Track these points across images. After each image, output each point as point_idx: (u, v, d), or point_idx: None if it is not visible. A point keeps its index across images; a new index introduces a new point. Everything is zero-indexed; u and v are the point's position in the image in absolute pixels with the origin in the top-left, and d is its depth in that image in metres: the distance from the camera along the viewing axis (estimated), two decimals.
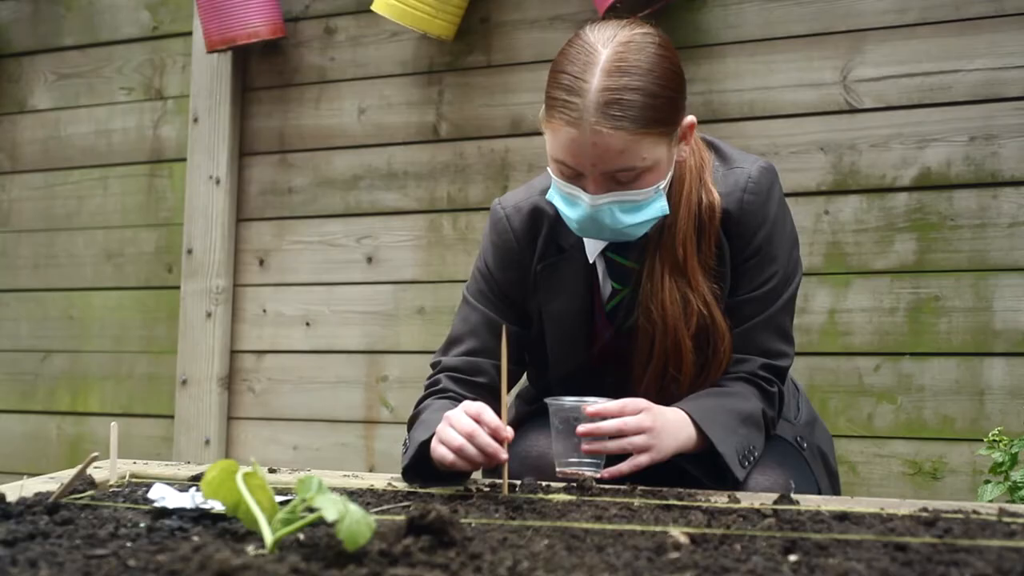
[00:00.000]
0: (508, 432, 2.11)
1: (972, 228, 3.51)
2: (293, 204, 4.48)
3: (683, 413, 2.26)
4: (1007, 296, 3.46)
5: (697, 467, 2.29)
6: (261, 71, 4.56)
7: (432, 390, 2.51)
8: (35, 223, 4.95)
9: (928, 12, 3.58)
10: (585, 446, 2.18)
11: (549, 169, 2.34)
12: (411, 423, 2.43)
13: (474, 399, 2.27)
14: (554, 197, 2.36)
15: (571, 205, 2.30)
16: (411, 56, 4.31)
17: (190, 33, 4.66)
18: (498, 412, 2.15)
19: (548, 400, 2.26)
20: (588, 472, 2.19)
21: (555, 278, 2.48)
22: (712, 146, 2.50)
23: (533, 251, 2.50)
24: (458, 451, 2.12)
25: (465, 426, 2.12)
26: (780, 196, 2.46)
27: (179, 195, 4.66)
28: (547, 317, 2.51)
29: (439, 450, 2.16)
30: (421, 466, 2.25)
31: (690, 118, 2.33)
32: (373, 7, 4.09)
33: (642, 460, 2.19)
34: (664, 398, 2.35)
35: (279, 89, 4.52)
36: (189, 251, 4.56)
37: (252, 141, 4.57)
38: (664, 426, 2.22)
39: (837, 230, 3.65)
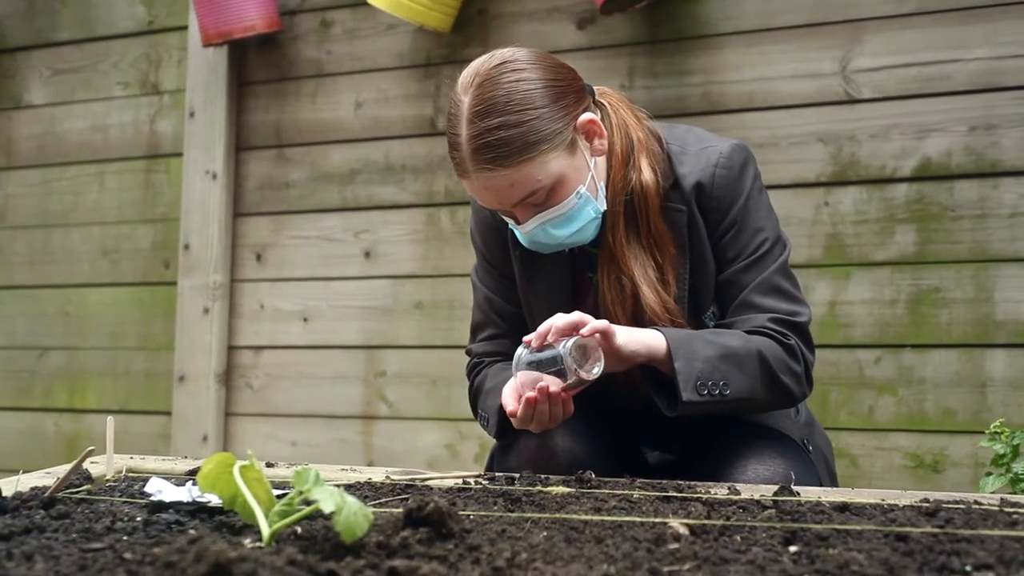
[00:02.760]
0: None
1: (973, 219, 3.50)
2: (290, 199, 4.46)
3: (658, 332, 2.27)
4: (1008, 287, 3.45)
5: (659, 391, 2.31)
6: (257, 65, 4.55)
7: (480, 369, 2.60)
8: (31, 219, 4.94)
9: (926, 1, 3.57)
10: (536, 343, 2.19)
11: None
12: (475, 398, 2.56)
13: None
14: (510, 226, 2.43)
15: (516, 232, 2.39)
16: (408, 49, 4.29)
17: (186, 27, 4.65)
18: None
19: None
20: (596, 369, 2.16)
21: (535, 262, 2.49)
22: (688, 129, 2.51)
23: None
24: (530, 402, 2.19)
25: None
26: (755, 173, 2.45)
27: (176, 190, 4.65)
28: (534, 298, 2.52)
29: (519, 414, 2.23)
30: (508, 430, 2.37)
31: (586, 115, 2.31)
32: (369, 0, 4.07)
33: (597, 328, 2.18)
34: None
35: (275, 83, 4.51)
36: (186, 247, 4.55)
37: (249, 135, 4.55)
38: (628, 330, 2.25)
39: (837, 221, 3.64)
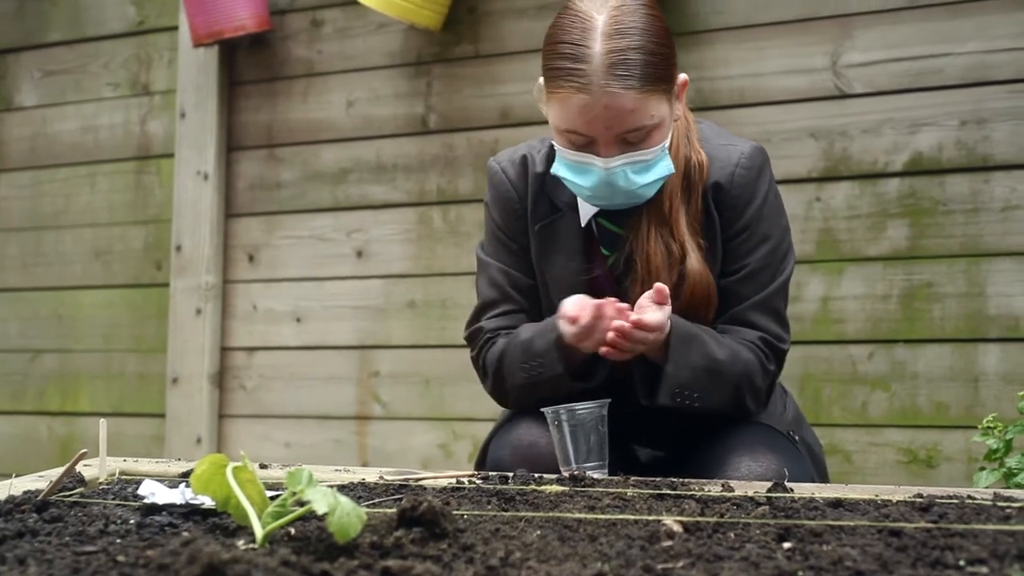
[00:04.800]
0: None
1: (964, 213, 3.50)
2: (282, 199, 4.46)
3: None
4: (1000, 281, 3.46)
5: (642, 376, 2.38)
6: (248, 65, 4.54)
7: (490, 343, 2.54)
8: (23, 222, 4.93)
9: None
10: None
11: (555, 143, 2.39)
12: (504, 360, 2.48)
13: None
14: (561, 170, 2.39)
15: (582, 173, 2.35)
16: (399, 47, 4.29)
17: (176, 27, 4.64)
18: None
19: (546, 409, 2.27)
20: (596, 475, 2.19)
21: (553, 238, 2.51)
22: (708, 125, 2.55)
23: (528, 201, 2.53)
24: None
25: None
26: (772, 179, 2.50)
27: (167, 191, 4.64)
28: (549, 278, 2.53)
29: (586, 342, 2.29)
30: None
31: (683, 76, 2.40)
32: None
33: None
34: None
35: (266, 83, 4.51)
36: (178, 248, 4.54)
37: (240, 136, 4.55)
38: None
39: (829, 217, 3.64)
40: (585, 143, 2.32)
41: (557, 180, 2.45)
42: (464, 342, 2.67)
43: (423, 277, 4.20)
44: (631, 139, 2.30)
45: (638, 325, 2.22)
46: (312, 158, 4.42)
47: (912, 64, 3.57)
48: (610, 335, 2.23)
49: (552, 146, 2.47)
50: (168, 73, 4.70)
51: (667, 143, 2.36)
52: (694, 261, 2.40)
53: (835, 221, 3.64)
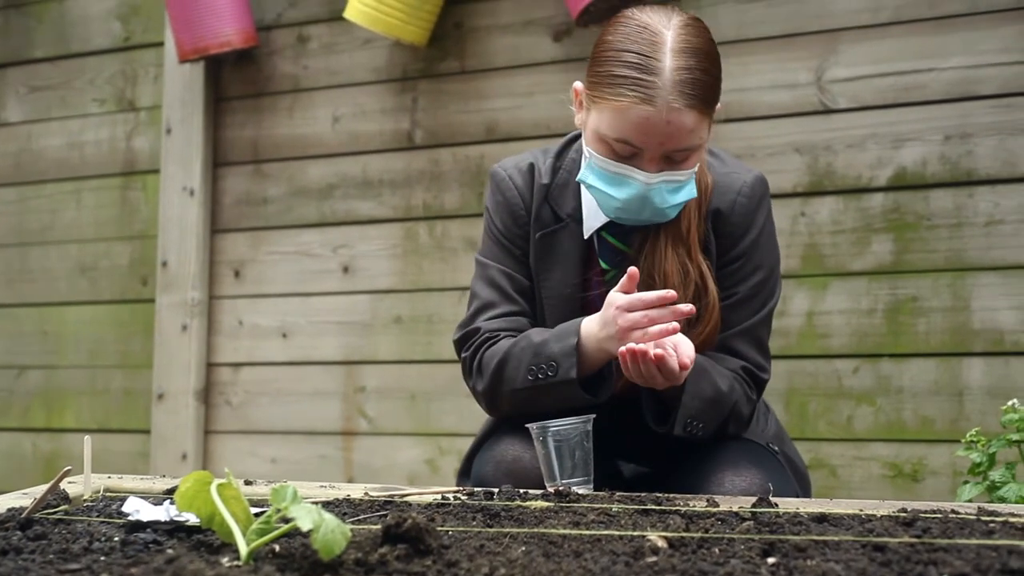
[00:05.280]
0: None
1: (949, 227, 3.51)
2: (268, 214, 4.46)
3: None
4: (984, 295, 3.47)
5: (650, 401, 2.37)
6: (234, 80, 4.54)
7: (489, 343, 2.47)
8: (8, 237, 4.92)
9: (901, 11, 3.59)
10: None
11: (591, 150, 2.36)
12: (508, 361, 2.40)
13: None
14: (592, 177, 2.37)
15: (619, 185, 2.33)
16: (384, 63, 4.29)
17: (162, 43, 4.64)
18: None
19: (531, 425, 2.25)
20: (581, 490, 2.19)
21: (553, 249, 2.50)
22: (709, 151, 2.54)
23: (533, 208, 2.53)
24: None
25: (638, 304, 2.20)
26: (770, 210, 2.53)
27: (153, 207, 4.64)
28: (544, 289, 2.52)
29: (631, 337, 2.21)
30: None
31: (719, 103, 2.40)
32: (345, 14, 4.07)
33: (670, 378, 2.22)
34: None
35: (252, 98, 4.51)
36: (164, 264, 4.54)
37: (226, 151, 4.55)
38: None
39: (814, 231, 3.65)
40: (630, 154, 2.31)
41: (562, 191, 2.47)
42: (452, 350, 2.62)
43: (409, 292, 4.20)
44: (677, 158, 2.31)
45: (683, 367, 2.18)
46: (298, 174, 4.42)
47: (897, 79, 3.59)
48: (655, 351, 2.17)
49: (557, 156, 2.50)
50: (154, 89, 4.69)
51: (697, 167, 2.37)
52: (712, 283, 2.42)
53: (820, 236, 3.65)
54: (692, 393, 2.31)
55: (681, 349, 2.20)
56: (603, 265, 2.49)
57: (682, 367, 2.17)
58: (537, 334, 2.39)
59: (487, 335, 2.48)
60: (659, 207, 2.33)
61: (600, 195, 2.37)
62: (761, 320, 2.48)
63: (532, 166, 2.55)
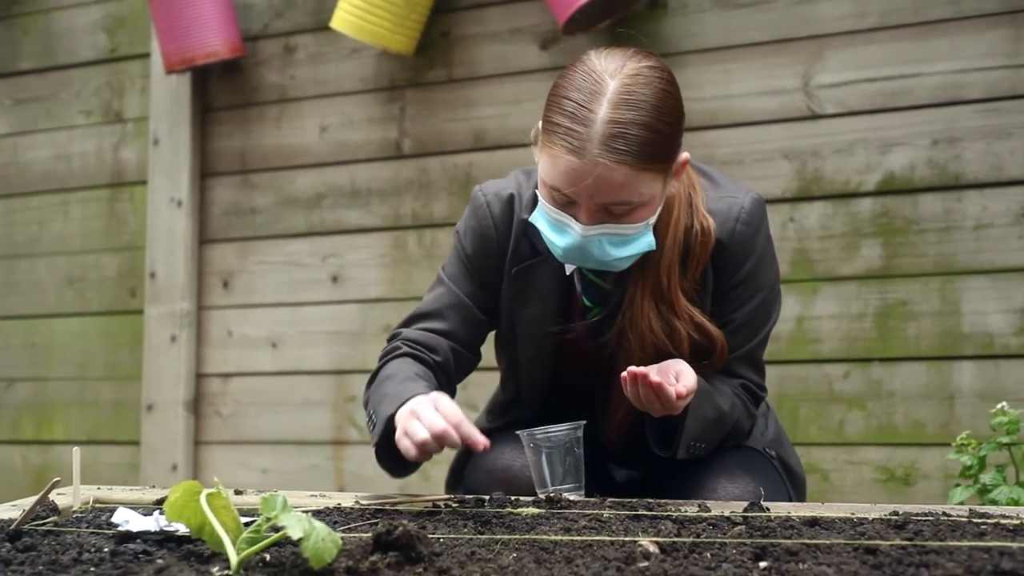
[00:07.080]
0: (483, 442, 2.08)
1: (937, 232, 3.52)
2: (256, 224, 4.45)
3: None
4: (974, 299, 3.47)
5: (653, 424, 2.35)
6: (221, 91, 4.54)
7: (391, 356, 2.44)
8: None
9: (887, 16, 3.59)
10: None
11: (538, 192, 2.29)
12: (370, 384, 2.41)
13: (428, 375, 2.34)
14: (539, 221, 2.30)
15: (559, 232, 2.25)
16: (372, 72, 4.29)
17: (148, 55, 4.63)
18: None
19: (521, 432, 2.25)
20: (572, 496, 2.18)
21: (530, 283, 2.45)
22: (702, 172, 2.47)
23: (509, 240, 2.46)
24: (422, 446, 2.10)
25: (436, 426, 2.08)
26: (768, 230, 2.46)
27: (141, 218, 4.63)
28: (520, 327, 2.48)
29: (403, 443, 2.13)
30: (390, 445, 2.24)
31: (684, 155, 2.29)
32: (332, 24, 4.07)
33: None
34: (640, 417, 2.36)
35: (239, 109, 4.50)
36: (152, 275, 4.53)
37: (213, 162, 4.54)
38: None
39: (803, 237, 3.65)
40: (567, 203, 2.22)
41: None
42: None
43: (399, 301, 4.19)
44: (615, 211, 2.20)
45: (680, 397, 2.15)
46: (286, 183, 4.41)
47: (884, 84, 3.59)
48: (655, 377, 2.14)
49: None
50: (141, 100, 4.69)
51: (652, 220, 2.26)
52: (713, 329, 2.36)
53: (809, 241, 3.65)
54: (695, 416, 2.28)
55: (682, 379, 2.18)
56: (586, 302, 2.44)
57: (679, 397, 2.14)
58: (399, 381, 2.32)
59: (396, 345, 2.46)
60: (600, 259, 2.25)
61: (546, 239, 2.30)
62: (759, 342, 2.47)
63: (512, 197, 2.46)
